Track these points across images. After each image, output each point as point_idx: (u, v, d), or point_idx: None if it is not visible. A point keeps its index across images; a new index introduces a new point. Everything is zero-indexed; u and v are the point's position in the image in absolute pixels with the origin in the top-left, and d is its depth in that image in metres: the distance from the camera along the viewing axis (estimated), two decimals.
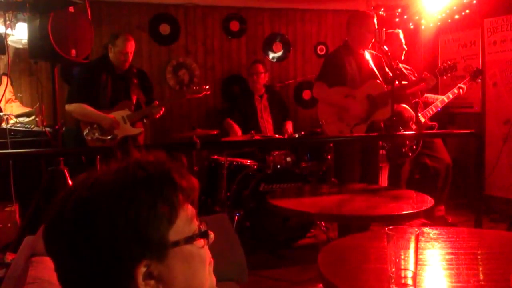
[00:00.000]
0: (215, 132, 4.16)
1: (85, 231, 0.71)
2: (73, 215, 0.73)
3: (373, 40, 3.51)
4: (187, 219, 0.79)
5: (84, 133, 3.64)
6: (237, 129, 4.39)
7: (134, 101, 3.83)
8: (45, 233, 0.76)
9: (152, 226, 0.73)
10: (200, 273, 0.81)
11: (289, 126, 4.60)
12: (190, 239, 0.78)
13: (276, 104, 4.65)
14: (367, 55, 3.58)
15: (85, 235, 0.71)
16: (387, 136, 3.54)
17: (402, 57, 4.18)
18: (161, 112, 3.88)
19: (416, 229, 1.31)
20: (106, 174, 0.76)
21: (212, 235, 0.84)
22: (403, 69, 4.13)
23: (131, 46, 3.76)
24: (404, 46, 4.14)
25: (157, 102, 3.86)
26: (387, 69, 3.63)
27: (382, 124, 3.60)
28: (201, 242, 0.80)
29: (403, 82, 3.67)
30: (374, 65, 3.57)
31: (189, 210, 0.80)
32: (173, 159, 0.81)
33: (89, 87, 3.67)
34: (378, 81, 3.51)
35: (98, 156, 3.10)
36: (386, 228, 1.22)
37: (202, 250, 0.81)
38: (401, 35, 4.14)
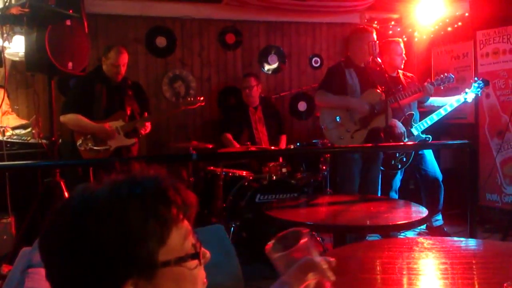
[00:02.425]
0: (211, 146, 4.18)
1: (75, 244, 0.71)
2: (66, 227, 0.73)
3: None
4: (180, 238, 0.77)
5: (78, 144, 3.64)
6: (236, 145, 4.39)
7: (129, 112, 3.83)
8: (40, 242, 0.77)
9: (141, 244, 0.72)
10: None
11: (282, 143, 4.61)
12: (181, 260, 0.76)
13: (271, 115, 4.67)
14: (368, 69, 3.71)
15: (74, 248, 0.71)
16: (384, 146, 3.58)
17: (402, 66, 4.21)
18: (147, 128, 3.85)
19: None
20: (102, 187, 0.75)
21: (208, 254, 0.82)
22: (402, 78, 4.16)
23: (124, 59, 3.78)
24: (404, 55, 4.18)
25: (146, 114, 3.86)
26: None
27: (382, 134, 3.65)
28: (193, 263, 0.78)
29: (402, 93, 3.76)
30: (375, 78, 3.68)
31: (183, 228, 0.78)
32: (172, 175, 0.80)
33: (83, 98, 3.68)
34: (378, 90, 3.62)
35: (92, 168, 3.11)
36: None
37: (194, 271, 0.79)
38: (401, 44, 4.18)
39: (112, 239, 0.70)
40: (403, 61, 4.19)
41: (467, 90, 4.09)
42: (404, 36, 5.00)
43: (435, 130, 4.22)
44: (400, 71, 4.23)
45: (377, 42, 3.43)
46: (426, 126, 4.09)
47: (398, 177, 4.24)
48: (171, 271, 0.75)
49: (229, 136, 4.48)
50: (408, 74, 4.30)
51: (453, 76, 3.99)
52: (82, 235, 0.71)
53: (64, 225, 0.73)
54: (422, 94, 3.90)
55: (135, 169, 0.80)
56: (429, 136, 4.13)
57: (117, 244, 0.71)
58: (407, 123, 4.04)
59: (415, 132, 4.06)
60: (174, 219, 0.76)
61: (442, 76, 3.92)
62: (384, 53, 4.14)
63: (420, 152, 4.16)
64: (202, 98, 3.97)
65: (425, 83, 3.86)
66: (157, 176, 0.78)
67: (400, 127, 3.95)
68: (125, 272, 0.71)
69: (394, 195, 4.23)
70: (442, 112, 4.08)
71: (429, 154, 4.24)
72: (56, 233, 0.74)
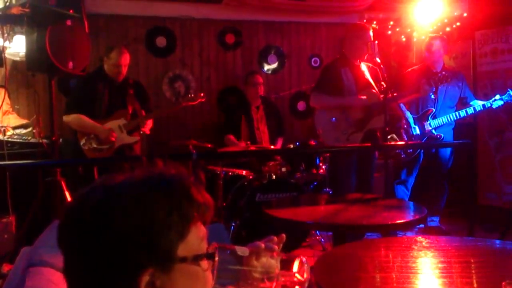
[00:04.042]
0: (210, 146, 4.19)
1: (99, 230, 0.73)
2: (91, 213, 0.75)
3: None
4: (198, 237, 0.80)
5: (81, 143, 3.65)
6: (241, 145, 4.36)
7: (130, 110, 3.85)
8: (61, 226, 0.78)
9: (164, 235, 0.75)
10: None
11: (278, 145, 4.56)
12: (197, 258, 0.79)
13: (272, 115, 4.68)
14: (363, 67, 3.63)
15: (99, 233, 0.73)
16: (382, 146, 3.58)
17: (437, 62, 4.19)
18: (148, 125, 3.86)
19: None
20: (129, 179, 0.78)
21: (216, 259, 0.84)
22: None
23: (125, 59, 3.79)
24: (433, 52, 4.15)
25: (144, 113, 3.86)
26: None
27: (378, 133, 3.64)
28: (206, 264, 0.81)
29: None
30: (370, 76, 3.61)
31: (201, 229, 0.81)
32: (192, 176, 0.83)
33: (86, 97, 3.70)
34: (374, 90, 3.56)
35: (96, 167, 3.12)
36: None
37: (206, 273, 0.81)
38: (437, 41, 4.17)
39: (137, 229, 0.73)
40: (432, 58, 4.18)
41: (498, 96, 3.97)
42: (403, 36, 5.02)
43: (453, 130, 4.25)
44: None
45: (376, 42, 3.40)
46: (441, 123, 4.09)
47: (414, 174, 4.25)
48: (187, 268, 0.77)
49: (232, 137, 4.47)
50: (457, 71, 4.24)
51: (450, 76, 3.88)
52: (108, 223, 0.73)
53: (90, 213, 0.75)
54: (418, 94, 3.87)
55: (159, 165, 0.82)
56: (440, 134, 4.13)
57: (141, 234, 0.73)
58: (424, 118, 4.06)
59: (428, 127, 4.07)
60: (195, 217, 0.79)
61: (440, 75, 3.84)
62: (424, 49, 4.21)
63: (433, 150, 4.18)
64: (202, 94, 3.97)
65: (421, 84, 3.78)
66: (182, 174, 0.81)
67: (408, 116, 3.98)
68: (145, 261, 0.74)
69: (404, 191, 4.24)
70: (462, 113, 4.05)
71: (443, 155, 4.23)
72: (80, 220, 0.75)
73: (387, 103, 3.42)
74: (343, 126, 3.57)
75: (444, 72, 3.88)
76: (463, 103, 4.20)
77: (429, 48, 4.18)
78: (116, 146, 3.72)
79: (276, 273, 0.94)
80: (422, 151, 4.21)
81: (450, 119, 4.09)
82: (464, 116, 4.08)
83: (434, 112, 4.11)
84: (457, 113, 4.08)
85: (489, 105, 3.98)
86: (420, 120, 4.13)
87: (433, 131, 4.10)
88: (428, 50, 4.19)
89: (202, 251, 0.80)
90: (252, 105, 4.61)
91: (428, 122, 4.09)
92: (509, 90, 3.98)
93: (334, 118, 3.58)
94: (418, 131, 4.10)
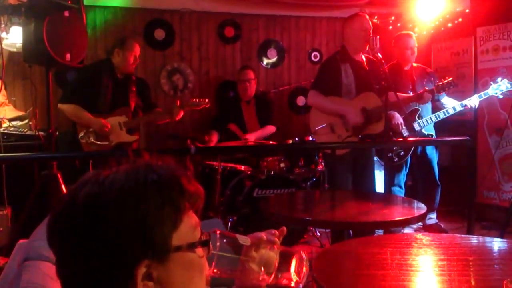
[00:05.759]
0: (207, 138, 4.17)
1: (92, 225, 0.72)
2: (82, 209, 0.74)
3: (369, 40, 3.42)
4: (191, 226, 0.80)
5: (79, 136, 3.62)
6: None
7: (132, 108, 3.81)
8: (51, 223, 0.77)
9: (157, 227, 0.74)
10: (197, 282, 0.81)
11: (263, 130, 4.48)
12: (192, 246, 0.79)
13: (265, 110, 4.63)
14: (364, 63, 3.49)
15: (91, 229, 0.72)
16: (381, 143, 3.54)
17: (413, 60, 4.18)
18: (180, 115, 3.84)
19: None
20: (118, 173, 0.77)
21: (211, 248, 0.85)
22: (415, 73, 4.07)
23: (138, 49, 3.79)
24: (414, 49, 4.14)
25: (178, 103, 3.84)
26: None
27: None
28: (201, 251, 0.82)
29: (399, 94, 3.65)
30: (370, 71, 3.48)
31: (193, 218, 0.81)
32: (181, 166, 0.82)
33: (87, 89, 3.63)
34: (374, 93, 3.43)
35: (91, 161, 3.10)
36: None
37: (202, 260, 0.82)
38: (412, 38, 4.14)
39: (131, 222, 0.73)
40: (413, 55, 4.16)
41: (483, 92, 3.93)
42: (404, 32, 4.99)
43: (434, 127, 4.22)
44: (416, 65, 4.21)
45: (378, 36, 3.31)
46: (430, 123, 4.06)
47: (404, 172, 4.23)
48: (182, 256, 0.78)
49: (215, 137, 4.45)
50: (428, 70, 4.22)
51: (455, 83, 3.78)
52: (101, 218, 0.73)
53: (82, 208, 0.74)
54: (418, 101, 3.81)
55: (146, 158, 0.82)
56: (431, 133, 4.11)
57: (135, 227, 0.73)
58: (411, 118, 4.01)
59: (417, 127, 4.04)
60: (186, 207, 0.79)
61: (444, 82, 3.71)
62: (395, 46, 4.16)
63: (420, 148, 4.14)
64: (207, 100, 3.92)
65: (425, 92, 3.70)
66: (171, 165, 0.81)
67: (398, 117, 3.94)
68: (141, 254, 0.73)
69: (398, 190, 4.22)
70: (450, 111, 4.01)
71: (430, 152, 4.22)
72: (73, 216, 0.74)
73: (388, 108, 3.30)
74: (339, 130, 3.44)
75: (447, 79, 3.74)
76: (433, 100, 4.13)
77: (407, 45, 4.13)
78: (114, 143, 3.69)
79: (274, 267, 0.92)
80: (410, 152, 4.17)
81: (438, 117, 4.05)
82: (452, 114, 4.03)
83: (420, 112, 4.07)
84: (445, 111, 4.03)
85: (464, 104, 3.96)
86: (408, 120, 4.03)
87: (423, 130, 4.06)
88: (402, 47, 4.14)
89: (195, 239, 0.81)
90: (242, 100, 4.57)
91: (417, 122, 4.05)
92: (493, 83, 3.89)
93: (330, 122, 3.44)
94: (407, 132, 4.03)
